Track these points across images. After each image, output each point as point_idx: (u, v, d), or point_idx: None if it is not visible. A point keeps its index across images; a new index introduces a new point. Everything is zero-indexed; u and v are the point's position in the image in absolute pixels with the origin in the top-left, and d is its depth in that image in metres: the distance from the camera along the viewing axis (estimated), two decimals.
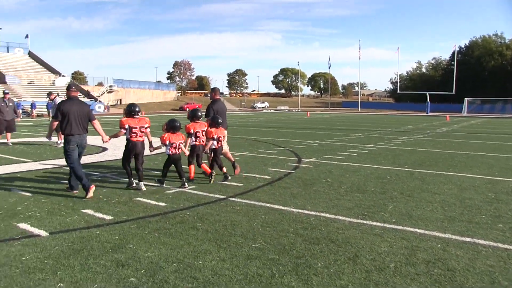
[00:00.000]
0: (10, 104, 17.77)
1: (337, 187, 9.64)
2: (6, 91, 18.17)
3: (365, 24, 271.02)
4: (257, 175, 10.68)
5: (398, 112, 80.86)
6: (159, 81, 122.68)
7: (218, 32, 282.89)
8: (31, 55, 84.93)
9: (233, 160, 10.97)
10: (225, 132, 10.59)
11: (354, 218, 7.17)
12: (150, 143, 9.39)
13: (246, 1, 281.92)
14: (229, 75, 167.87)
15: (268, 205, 7.99)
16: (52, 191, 8.95)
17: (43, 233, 6.12)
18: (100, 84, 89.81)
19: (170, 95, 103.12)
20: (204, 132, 9.87)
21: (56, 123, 8.67)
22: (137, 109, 9.00)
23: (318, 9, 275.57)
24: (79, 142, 8.55)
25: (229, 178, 10.02)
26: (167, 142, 9.12)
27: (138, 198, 8.21)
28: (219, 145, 10.04)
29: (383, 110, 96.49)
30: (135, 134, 8.84)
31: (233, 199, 8.41)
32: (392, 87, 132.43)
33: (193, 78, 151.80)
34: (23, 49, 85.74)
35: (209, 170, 9.75)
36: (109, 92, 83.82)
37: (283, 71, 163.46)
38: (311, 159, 13.58)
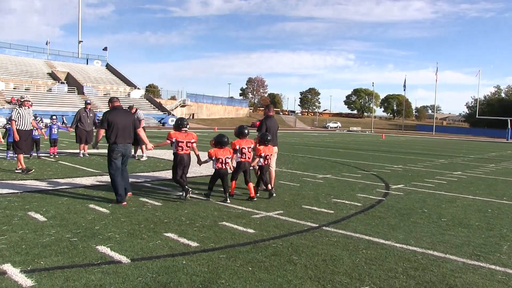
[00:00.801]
0: (91, 115, 17.86)
1: (436, 219, 8.86)
2: (88, 101, 18.22)
3: (441, 46, 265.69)
4: (346, 201, 9.97)
5: (475, 137, 78.16)
6: (231, 97, 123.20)
7: (292, 50, 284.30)
8: (108, 67, 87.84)
9: (273, 185, 10.86)
10: (276, 149, 10.87)
11: (467, 259, 6.37)
12: (198, 156, 9.76)
13: (321, 20, 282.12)
14: (301, 93, 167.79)
15: (366, 237, 7.28)
16: (131, 209, 8.55)
17: (124, 259, 5.60)
18: (173, 98, 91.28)
19: (243, 111, 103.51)
20: (250, 149, 9.86)
21: (102, 132, 8.91)
22: (185, 123, 9.38)
23: (393, 30, 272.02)
24: (124, 151, 8.82)
25: (274, 195, 10.16)
26: (214, 157, 9.30)
27: (224, 223, 7.64)
28: (266, 162, 10.19)
29: (459, 135, 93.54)
30: (181, 148, 9.21)
31: (327, 228, 7.77)
32: (468, 112, 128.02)
33: (266, 95, 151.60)
34: (101, 61, 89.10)
35: (253, 194, 9.79)
36: (182, 106, 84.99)
37: (356, 92, 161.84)
38: (399, 186, 12.82)
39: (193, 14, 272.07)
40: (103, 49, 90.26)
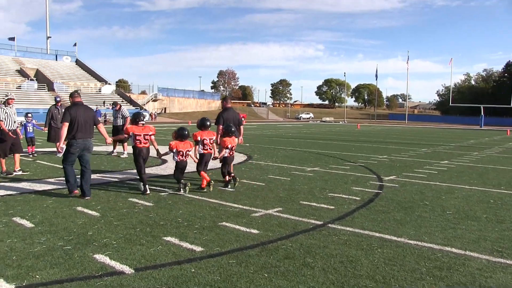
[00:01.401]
0: (63, 110, 16.89)
1: (441, 212, 8.51)
2: (58, 98, 17.38)
3: (409, 35, 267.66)
4: (344, 195, 9.65)
5: (449, 125, 78.38)
6: (202, 90, 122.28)
7: (261, 42, 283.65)
8: (78, 63, 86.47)
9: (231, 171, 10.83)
10: (236, 140, 10.92)
11: (489, 255, 6.01)
12: (157, 150, 10.02)
13: (289, 11, 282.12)
14: (272, 85, 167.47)
15: (377, 234, 6.89)
16: (122, 211, 8.06)
17: (127, 269, 5.13)
18: (144, 92, 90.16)
19: (215, 104, 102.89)
20: (212, 140, 10.10)
21: (66, 125, 8.83)
22: (141, 117, 9.65)
23: (361, 20, 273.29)
24: (82, 146, 8.91)
25: (229, 187, 10.41)
26: (175, 150, 9.53)
27: (224, 223, 7.24)
28: (231, 153, 10.47)
29: (431, 122, 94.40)
30: (139, 141, 9.41)
31: (333, 225, 7.36)
32: (439, 99, 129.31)
33: (237, 87, 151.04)
34: (71, 57, 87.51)
35: (208, 179, 10.03)
36: (154, 100, 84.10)
37: (327, 82, 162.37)
38: (391, 177, 12.45)
39: (161, 8, 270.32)
40: (74, 45, 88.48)
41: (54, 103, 17.17)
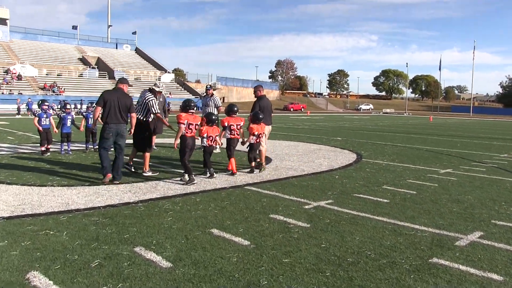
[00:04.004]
0: (161, 99, 14.27)
1: None
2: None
3: (465, 26, 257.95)
4: None
5: None
6: (257, 80, 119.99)
7: (314, 33, 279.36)
8: (137, 51, 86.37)
9: (263, 161, 11.21)
10: (269, 128, 11.54)
11: None
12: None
13: (343, 2, 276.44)
14: (330, 75, 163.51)
15: None
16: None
17: None
18: (198, 81, 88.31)
19: (273, 94, 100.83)
20: (239, 126, 10.38)
21: (99, 109, 9.08)
22: (192, 104, 9.40)
23: (417, 11, 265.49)
24: (115, 131, 8.98)
25: (255, 172, 10.63)
26: (205, 135, 9.62)
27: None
28: (258, 140, 10.55)
29: (498, 115, 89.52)
30: (191, 130, 9.24)
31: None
32: (502, 91, 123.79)
33: (293, 77, 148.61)
34: (131, 45, 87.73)
35: (235, 171, 10.36)
36: (214, 89, 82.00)
37: (385, 73, 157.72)
38: None
39: None
40: (133, 33, 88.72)
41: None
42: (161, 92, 11.22)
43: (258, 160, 10.91)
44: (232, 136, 10.33)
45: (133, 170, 10.66)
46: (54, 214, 6.79)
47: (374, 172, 11.41)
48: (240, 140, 10.55)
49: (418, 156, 15.43)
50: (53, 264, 4.87)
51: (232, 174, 10.29)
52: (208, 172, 9.94)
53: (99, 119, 10.05)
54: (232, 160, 10.28)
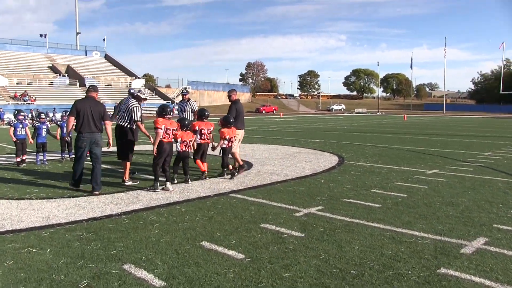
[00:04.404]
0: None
1: None
2: (132, 91, 14.66)
3: (433, 23, 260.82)
4: None
5: (493, 114, 74.70)
6: (227, 83, 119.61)
7: (283, 34, 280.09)
8: (107, 58, 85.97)
9: (241, 162, 11.31)
10: (242, 132, 11.49)
11: None
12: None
13: (310, 2, 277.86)
14: (300, 76, 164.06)
15: None
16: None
17: None
18: (168, 86, 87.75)
19: (244, 97, 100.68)
20: (209, 131, 10.45)
21: (71, 120, 9.05)
22: (168, 110, 9.20)
23: (384, 9, 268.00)
24: (89, 140, 8.84)
25: (236, 175, 10.66)
26: (179, 140, 9.44)
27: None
28: (229, 145, 10.49)
29: (473, 112, 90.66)
30: (168, 136, 9.03)
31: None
32: (474, 88, 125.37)
33: (264, 80, 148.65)
34: (100, 52, 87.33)
35: (203, 169, 10.47)
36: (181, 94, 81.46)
37: (356, 72, 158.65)
38: None
39: (182, 3, 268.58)
40: (103, 40, 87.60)
41: (128, 95, 14.42)
42: (146, 99, 10.78)
43: (237, 164, 11.13)
44: (202, 141, 10.37)
45: (135, 173, 11.18)
46: (35, 229, 6.49)
47: (359, 174, 11.19)
48: (210, 145, 10.64)
49: (400, 156, 15.26)
50: (39, 286, 4.54)
51: (203, 173, 10.49)
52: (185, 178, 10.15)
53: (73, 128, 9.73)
54: (199, 161, 10.45)
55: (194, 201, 8.22)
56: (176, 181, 10.07)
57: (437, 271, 4.95)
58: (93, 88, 9.38)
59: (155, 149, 9.24)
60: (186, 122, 9.77)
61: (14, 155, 13.48)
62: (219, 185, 9.65)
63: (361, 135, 25.94)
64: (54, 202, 8.22)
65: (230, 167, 10.60)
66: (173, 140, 9.35)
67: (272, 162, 13.45)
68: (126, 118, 10.04)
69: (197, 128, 10.26)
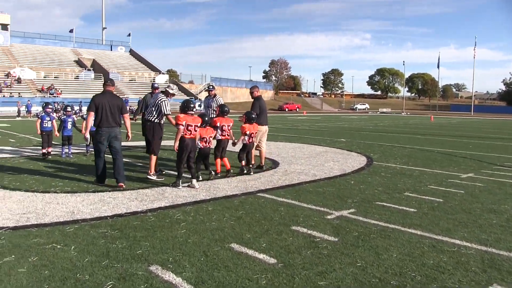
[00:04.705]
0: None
1: None
2: (156, 85, 14.38)
3: (461, 22, 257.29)
4: None
5: None
6: (251, 80, 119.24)
7: (306, 32, 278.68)
8: (132, 53, 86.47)
9: (262, 163, 11.61)
10: (266, 128, 11.50)
11: None
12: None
13: (335, 0, 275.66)
14: (324, 74, 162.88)
15: None
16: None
17: None
18: (191, 82, 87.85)
19: (267, 95, 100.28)
20: (229, 127, 10.27)
21: (91, 114, 8.84)
22: (191, 106, 9.01)
23: (411, 7, 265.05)
24: (108, 134, 8.77)
25: (245, 172, 10.55)
26: (198, 137, 9.12)
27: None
28: (250, 140, 10.47)
29: (501, 114, 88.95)
30: (190, 132, 8.86)
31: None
32: (505, 89, 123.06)
33: (288, 77, 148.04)
34: (125, 47, 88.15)
35: (219, 170, 10.20)
36: (207, 90, 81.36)
37: (380, 72, 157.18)
38: None
39: None
40: (128, 35, 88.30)
41: (151, 90, 14.19)
42: (174, 94, 10.76)
43: (253, 162, 11.11)
44: (223, 137, 10.21)
45: (163, 173, 10.76)
46: (59, 224, 6.35)
47: (390, 176, 10.83)
48: (231, 141, 10.52)
49: (431, 158, 14.75)
50: (63, 286, 4.33)
51: (216, 173, 10.20)
52: (209, 173, 10.12)
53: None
54: (219, 160, 10.20)
55: (221, 199, 7.87)
56: (201, 178, 9.82)
57: (490, 287, 4.49)
58: (110, 82, 9.32)
59: (176, 145, 9.13)
60: (206, 118, 9.56)
61: (41, 147, 13.67)
62: (246, 183, 9.32)
63: (387, 135, 25.44)
64: (79, 196, 8.05)
65: (243, 162, 10.56)
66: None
67: (299, 161, 13.12)
68: (155, 112, 10.04)
69: (218, 124, 10.11)
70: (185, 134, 8.77)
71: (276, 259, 5.13)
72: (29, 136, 20.00)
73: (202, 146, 9.53)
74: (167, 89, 10.60)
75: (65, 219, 6.55)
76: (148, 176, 9.93)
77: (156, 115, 9.98)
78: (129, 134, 9.43)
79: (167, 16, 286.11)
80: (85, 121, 9.44)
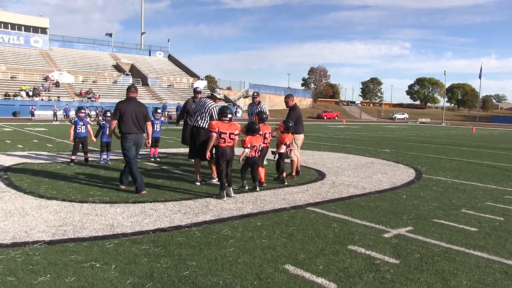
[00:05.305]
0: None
1: None
2: (198, 89, 14.06)
3: (502, 32, 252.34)
4: None
5: None
6: (289, 87, 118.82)
7: (346, 40, 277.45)
8: (170, 58, 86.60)
9: (294, 173, 11.35)
10: (302, 136, 11.51)
11: None
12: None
13: (375, 8, 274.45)
14: (363, 83, 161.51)
15: None
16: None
17: None
18: (229, 88, 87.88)
19: (306, 102, 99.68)
20: (269, 134, 10.21)
21: (114, 123, 8.89)
22: (227, 112, 8.66)
23: (452, 16, 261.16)
24: (135, 140, 8.86)
25: (286, 183, 10.30)
26: (249, 145, 8.94)
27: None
28: (286, 150, 10.19)
29: None
30: (223, 140, 8.53)
31: None
32: None
33: (327, 85, 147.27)
34: (164, 52, 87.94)
35: (264, 179, 9.87)
36: (245, 97, 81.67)
37: (419, 81, 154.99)
38: None
39: (245, 6, 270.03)
40: (168, 40, 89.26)
41: (193, 94, 13.88)
42: (222, 99, 10.61)
43: (294, 172, 11.24)
44: (264, 145, 9.92)
45: (205, 181, 10.43)
46: (98, 239, 5.95)
47: (442, 191, 10.27)
48: (270, 149, 10.45)
49: (482, 172, 14.18)
50: None
51: (261, 183, 9.88)
52: (255, 186, 9.70)
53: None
54: (261, 169, 9.85)
55: (269, 213, 7.41)
56: (247, 187, 9.61)
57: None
58: (134, 88, 9.30)
59: (208, 153, 9.02)
60: (256, 127, 9.31)
61: (83, 153, 13.22)
62: (293, 196, 8.85)
63: (432, 146, 24.68)
64: (118, 207, 7.65)
65: (284, 174, 10.44)
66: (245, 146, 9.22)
67: (346, 172, 12.56)
68: (206, 118, 10.03)
69: (261, 133, 9.85)
70: (219, 142, 8.53)
71: (336, 284, 4.66)
72: (67, 141, 19.80)
73: (250, 156, 9.19)
74: (214, 93, 10.43)
75: (104, 233, 6.14)
76: (212, 180, 10.23)
77: (207, 121, 9.84)
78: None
79: (206, 22, 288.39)
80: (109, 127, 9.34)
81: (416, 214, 8.00)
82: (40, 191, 8.82)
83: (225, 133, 8.51)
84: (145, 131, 9.26)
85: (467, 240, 6.53)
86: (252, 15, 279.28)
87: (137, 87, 11.66)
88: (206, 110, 9.96)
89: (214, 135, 8.50)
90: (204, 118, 9.91)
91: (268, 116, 11.05)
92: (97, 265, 4.86)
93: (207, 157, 9.00)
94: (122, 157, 13.47)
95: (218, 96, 10.42)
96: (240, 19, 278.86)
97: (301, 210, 8.07)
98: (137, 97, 9.40)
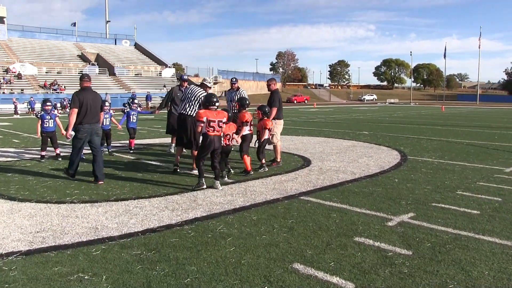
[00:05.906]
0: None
1: None
2: (185, 77, 13.57)
3: (463, 13, 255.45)
4: None
5: None
6: (257, 73, 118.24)
7: (311, 23, 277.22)
8: (137, 46, 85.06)
9: (279, 159, 10.96)
10: (282, 121, 11.04)
11: None
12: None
13: None
14: (330, 66, 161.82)
15: None
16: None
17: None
18: (196, 75, 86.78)
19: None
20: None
21: (75, 111, 8.65)
22: (214, 100, 8.26)
23: None
24: (90, 131, 8.75)
25: (266, 169, 10.18)
26: (204, 119, 8.17)
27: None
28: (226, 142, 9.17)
29: (506, 103, 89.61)
30: (212, 129, 8.12)
31: None
32: (507, 78, 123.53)
33: (295, 69, 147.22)
34: (130, 40, 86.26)
35: (249, 168, 9.61)
36: (214, 83, 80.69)
37: (386, 62, 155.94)
38: None
39: None
40: (134, 28, 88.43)
41: (179, 82, 13.28)
42: (211, 88, 10.27)
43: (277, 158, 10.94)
44: (250, 132, 9.75)
45: (178, 170, 10.12)
46: (82, 245, 5.29)
47: (432, 173, 10.14)
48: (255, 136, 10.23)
49: (464, 151, 13.95)
50: None
51: (248, 172, 9.65)
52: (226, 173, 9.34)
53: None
54: (247, 157, 9.71)
55: (263, 206, 7.00)
56: (228, 180, 9.20)
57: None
58: (88, 78, 9.18)
59: (198, 144, 8.72)
60: (230, 114, 9.02)
61: (53, 148, 12.37)
62: (283, 185, 8.48)
63: (408, 127, 24.62)
64: (100, 207, 7.02)
65: (263, 161, 10.18)
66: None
67: (330, 157, 12.20)
68: (195, 107, 9.70)
69: (246, 118, 9.61)
70: (208, 131, 8.11)
71: (353, 283, 4.21)
72: (34, 135, 18.85)
73: (224, 144, 8.87)
74: (205, 82, 10.18)
75: (89, 238, 5.51)
76: (193, 171, 9.84)
77: (196, 110, 9.47)
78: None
79: (172, 8, 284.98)
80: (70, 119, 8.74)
81: (413, 198, 7.69)
82: (10, 192, 8.03)
83: (214, 121, 8.12)
84: (100, 121, 9.20)
85: (473, 225, 6.24)
86: (218, 0, 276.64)
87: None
88: (195, 98, 9.67)
89: (202, 124, 8.13)
90: (192, 106, 9.63)
91: (249, 103, 10.51)
92: (86, 277, 4.27)
93: (197, 148, 8.87)
94: (123, 150, 12.96)
95: (209, 85, 10.12)
96: (206, 5, 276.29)
97: (295, 200, 7.60)
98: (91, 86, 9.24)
